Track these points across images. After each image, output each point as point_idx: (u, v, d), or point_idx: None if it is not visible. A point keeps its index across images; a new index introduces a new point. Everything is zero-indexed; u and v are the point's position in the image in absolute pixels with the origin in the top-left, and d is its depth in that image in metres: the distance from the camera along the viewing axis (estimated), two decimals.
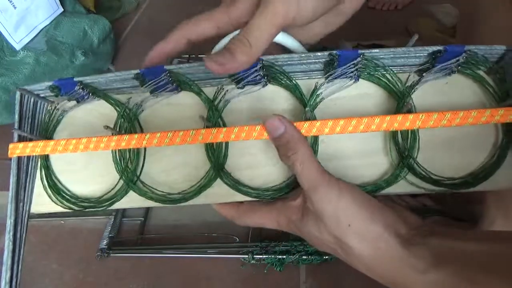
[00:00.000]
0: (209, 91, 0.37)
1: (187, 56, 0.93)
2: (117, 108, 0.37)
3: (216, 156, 0.35)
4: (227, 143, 0.35)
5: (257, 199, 0.35)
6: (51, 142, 0.34)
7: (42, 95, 0.38)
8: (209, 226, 0.60)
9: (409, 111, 0.32)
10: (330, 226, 0.29)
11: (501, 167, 0.34)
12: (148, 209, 0.64)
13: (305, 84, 0.35)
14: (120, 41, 1.04)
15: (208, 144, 0.35)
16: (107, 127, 0.34)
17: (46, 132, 0.38)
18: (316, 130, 0.31)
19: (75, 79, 0.35)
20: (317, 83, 0.34)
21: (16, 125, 0.36)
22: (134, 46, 1.03)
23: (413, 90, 0.34)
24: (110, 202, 0.36)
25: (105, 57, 0.94)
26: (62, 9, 0.85)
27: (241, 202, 0.36)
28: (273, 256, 0.55)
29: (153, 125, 0.38)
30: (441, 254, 0.26)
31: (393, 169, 0.35)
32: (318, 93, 0.34)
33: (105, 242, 0.59)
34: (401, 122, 0.31)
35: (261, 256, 0.55)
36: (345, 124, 0.31)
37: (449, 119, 0.30)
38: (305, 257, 0.54)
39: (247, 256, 0.56)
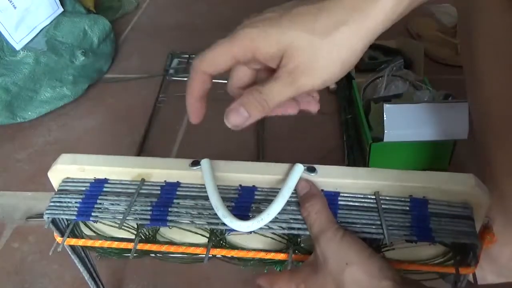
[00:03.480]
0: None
1: (187, 56, 0.93)
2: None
3: None
4: None
5: None
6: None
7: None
8: None
9: None
10: (331, 268, 0.31)
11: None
12: None
13: None
14: (120, 41, 1.04)
15: None
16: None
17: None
18: None
19: (91, 218, 0.37)
20: None
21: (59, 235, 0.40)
22: (134, 46, 1.03)
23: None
24: None
25: (105, 57, 0.94)
26: (62, 9, 0.85)
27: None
28: None
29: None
30: None
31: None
32: None
33: None
34: None
35: None
36: None
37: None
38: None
39: None
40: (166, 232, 0.40)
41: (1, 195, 0.69)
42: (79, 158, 0.39)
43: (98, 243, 0.40)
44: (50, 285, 0.56)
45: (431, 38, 0.90)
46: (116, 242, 0.39)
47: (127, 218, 0.36)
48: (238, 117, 0.29)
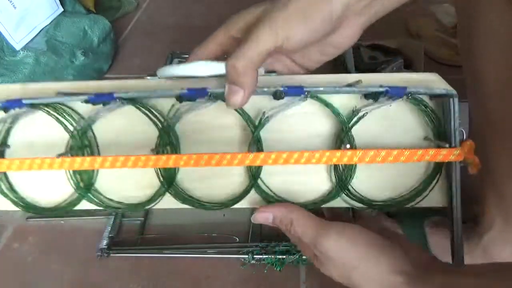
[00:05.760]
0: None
1: (187, 56, 0.93)
2: (69, 130, 0.37)
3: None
4: None
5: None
6: (5, 161, 0.36)
7: None
8: (209, 226, 0.60)
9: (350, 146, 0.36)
10: (338, 267, 0.31)
11: (431, 190, 0.38)
12: (148, 209, 0.64)
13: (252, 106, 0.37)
14: (120, 41, 1.04)
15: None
16: (60, 155, 0.35)
17: (2, 141, 0.39)
18: (260, 161, 0.35)
19: (24, 101, 0.35)
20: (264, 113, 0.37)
21: None
22: (134, 46, 1.03)
23: (354, 122, 0.37)
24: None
25: (105, 57, 0.94)
26: (62, 9, 0.85)
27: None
28: (273, 256, 0.55)
29: (108, 140, 0.39)
30: (446, 286, 0.27)
31: (332, 189, 0.39)
32: (266, 115, 0.36)
33: (105, 242, 0.59)
34: (340, 158, 0.34)
35: (261, 256, 0.55)
36: (287, 157, 0.34)
37: (383, 157, 0.34)
38: (305, 257, 0.54)
39: (247, 256, 0.56)
40: (104, 182, 0.39)
41: None
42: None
43: (15, 163, 0.35)
44: (50, 285, 0.56)
45: (431, 38, 0.90)
46: (39, 159, 0.34)
47: (64, 96, 0.34)
48: (237, 96, 0.32)
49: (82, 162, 0.34)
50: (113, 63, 0.96)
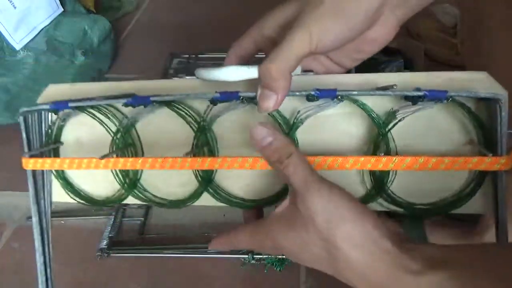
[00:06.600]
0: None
1: (187, 56, 0.93)
2: (111, 130, 0.39)
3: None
4: None
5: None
6: (58, 160, 0.38)
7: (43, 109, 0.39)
8: (209, 226, 0.60)
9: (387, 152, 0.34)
10: (320, 224, 0.28)
11: (476, 194, 0.35)
12: (148, 209, 0.64)
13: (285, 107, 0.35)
14: (120, 41, 1.04)
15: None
16: (103, 156, 0.36)
17: (55, 138, 0.41)
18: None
19: (70, 104, 0.36)
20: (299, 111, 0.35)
21: (25, 149, 0.38)
22: (134, 46, 1.03)
23: (391, 126, 0.34)
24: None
25: (105, 57, 0.94)
26: (62, 9, 0.85)
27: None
28: (273, 256, 0.55)
29: (149, 138, 0.39)
30: (436, 257, 0.25)
31: (368, 192, 0.36)
32: (300, 116, 0.35)
33: (105, 242, 0.59)
34: (374, 164, 0.32)
35: (261, 256, 0.55)
36: (322, 162, 0.32)
37: (421, 164, 0.31)
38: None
39: (247, 256, 0.56)
40: (149, 178, 0.40)
41: (1, 195, 0.69)
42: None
43: (66, 163, 0.37)
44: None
45: (431, 38, 0.90)
46: (86, 159, 0.36)
47: (105, 100, 0.35)
48: (269, 101, 0.31)
49: (125, 163, 0.36)
50: (113, 63, 0.96)
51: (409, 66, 0.75)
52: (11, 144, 0.78)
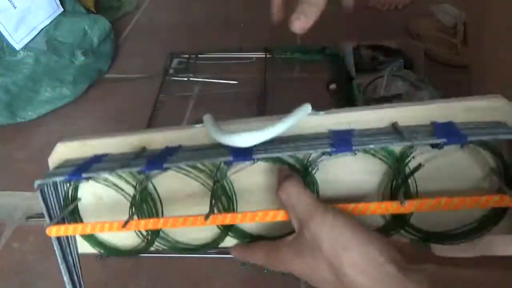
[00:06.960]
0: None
1: (187, 56, 0.93)
2: (128, 194, 0.39)
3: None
4: None
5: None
6: (80, 226, 0.38)
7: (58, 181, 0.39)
8: None
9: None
10: (326, 251, 0.29)
11: (497, 225, 0.34)
12: None
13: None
14: (120, 41, 1.04)
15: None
16: (125, 223, 0.36)
17: (73, 198, 0.41)
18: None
19: (84, 175, 0.36)
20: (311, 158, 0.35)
21: (47, 219, 0.38)
22: (134, 46, 1.03)
23: (409, 173, 0.34)
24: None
25: (105, 57, 0.94)
26: (62, 9, 0.85)
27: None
28: None
29: (167, 189, 0.40)
30: (439, 279, 0.26)
31: (386, 224, 0.36)
32: (315, 167, 0.35)
33: None
34: (396, 209, 0.32)
35: None
36: (343, 207, 0.32)
37: (443, 205, 0.31)
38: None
39: None
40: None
41: (1, 195, 0.69)
42: (78, 139, 0.39)
43: (88, 228, 0.37)
44: (50, 285, 0.56)
45: (431, 38, 0.90)
46: (107, 223, 0.36)
47: (120, 168, 0.34)
48: (301, 23, 0.34)
49: (146, 224, 0.36)
50: (113, 63, 0.96)
51: (409, 66, 0.75)
52: (11, 144, 0.78)
